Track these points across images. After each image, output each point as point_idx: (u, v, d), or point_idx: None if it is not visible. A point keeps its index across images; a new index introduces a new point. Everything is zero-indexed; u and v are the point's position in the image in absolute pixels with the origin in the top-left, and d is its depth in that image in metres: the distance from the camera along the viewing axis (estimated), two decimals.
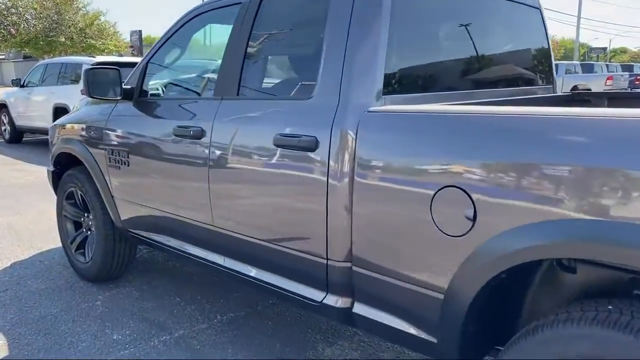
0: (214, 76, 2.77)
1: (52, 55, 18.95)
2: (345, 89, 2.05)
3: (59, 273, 3.95)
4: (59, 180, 3.95)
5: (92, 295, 3.55)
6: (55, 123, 4.04)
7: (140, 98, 3.16)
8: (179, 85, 3.27)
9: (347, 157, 1.99)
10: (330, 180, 2.02)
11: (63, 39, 19.31)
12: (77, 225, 3.91)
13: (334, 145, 2.02)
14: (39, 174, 7.76)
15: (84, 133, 3.51)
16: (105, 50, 19.19)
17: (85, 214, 3.77)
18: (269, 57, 2.72)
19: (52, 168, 4.00)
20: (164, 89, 3.35)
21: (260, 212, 2.37)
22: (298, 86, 2.40)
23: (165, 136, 2.85)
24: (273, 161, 2.25)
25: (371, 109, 1.99)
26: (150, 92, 3.24)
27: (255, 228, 2.40)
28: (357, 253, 2.01)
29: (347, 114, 2.02)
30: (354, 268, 2.03)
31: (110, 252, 3.54)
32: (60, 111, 9.64)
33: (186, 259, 2.94)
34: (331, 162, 2.02)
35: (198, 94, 3.18)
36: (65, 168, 3.86)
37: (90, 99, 3.76)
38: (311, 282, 2.20)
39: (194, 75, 3.32)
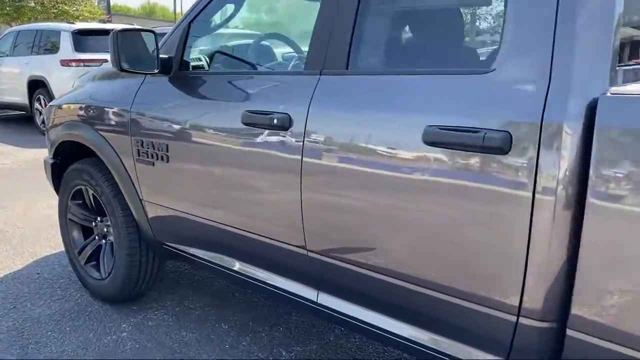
0: (303, 42, 2.00)
1: (20, 22, 17.48)
2: (562, 59, 1.32)
3: (65, 290, 3.17)
4: (60, 175, 3.15)
5: (114, 324, 2.80)
6: (53, 103, 3.21)
7: (181, 72, 2.37)
8: (239, 58, 2.48)
9: (567, 164, 1.28)
10: (539, 199, 1.32)
11: (33, 4, 17.82)
12: (87, 232, 3.13)
13: (546, 144, 1.31)
14: (16, 157, 6.84)
15: (97, 117, 2.71)
16: (80, 17, 17.82)
17: (98, 218, 2.99)
18: (401, 9, 1.95)
19: (51, 160, 3.19)
20: (208, 60, 2.56)
21: (398, 240, 1.66)
22: (464, 53, 1.67)
23: (227, 125, 2.10)
24: (423, 167, 1.53)
25: (612, 90, 1.28)
26: (192, 64, 2.46)
27: (389, 260, 1.69)
28: (577, 312, 1.32)
29: (569, 98, 1.30)
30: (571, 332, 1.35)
31: (135, 268, 2.78)
32: (35, 84, 8.64)
33: (258, 289, 2.21)
34: (541, 171, 1.32)
35: (273, 67, 2.40)
36: (69, 159, 3.06)
37: (98, 73, 2.97)
38: (494, 351, 1.51)
39: (264, 42, 2.53)
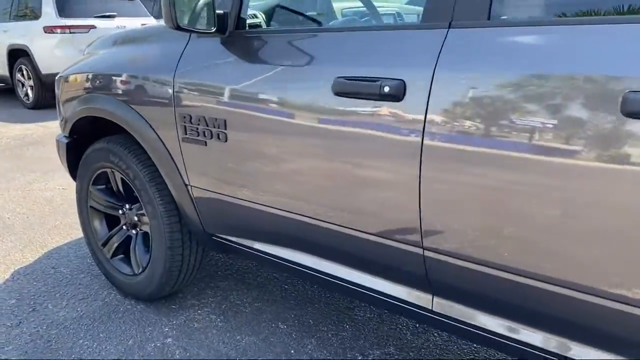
0: None
1: None
2: None
3: (88, 288, 2.78)
4: (77, 156, 2.72)
5: (154, 327, 2.43)
6: (64, 74, 2.76)
7: (239, 31, 1.96)
8: (314, 12, 2.06)
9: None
10: None
11: None
12: (112, 221, 2.73)
13: None
14: (2, 134, 6.32)
15: (128, 88, 2.29)
16: None
17: (127, 206, 2.59)
18: None
19: (65, 139, 2.75)
20: (265, 17, 2.15)
21: (562, 240, 1.30)
22: None
23: (311, 96, 1.71)
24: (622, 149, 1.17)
25: None
26: (249, 22, 2.04)
27: (549, 265, 1.34)
28: None
29: None
30: None
31: (177, 263, 2.40)
32: (16, 54, 8.02)
33: (350, 292, 1.86)
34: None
35: (368, 21, 1.99)
36: (88, 138, 2.64)
37: (120, 37, 2.55)
38: None
39: None
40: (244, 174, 1.97)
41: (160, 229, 2.35)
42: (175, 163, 2.19)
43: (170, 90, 2.09)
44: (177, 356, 2.23)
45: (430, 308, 1.64)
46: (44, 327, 2.43)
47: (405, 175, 1.50)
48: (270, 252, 2.05)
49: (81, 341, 2.33)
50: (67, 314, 2.53)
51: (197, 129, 2.04)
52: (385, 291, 1.73)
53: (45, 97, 8.10)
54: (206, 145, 2.03)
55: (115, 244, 2.68)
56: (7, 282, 2.84)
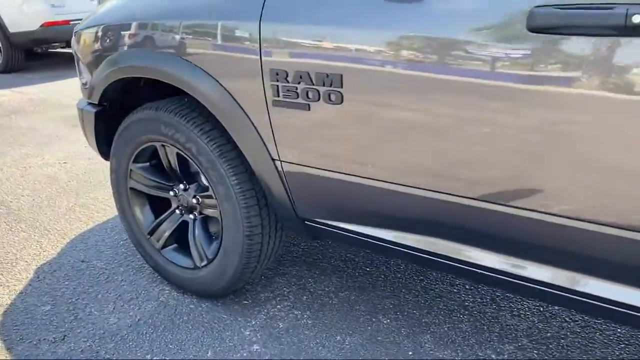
0: None
1: None
2: None
3: (134, 285, 2.34)
4: (108, 128, 2.23)
5: (232, 331, 2.01)
6: (84, 26, 2.22)
7: None
8: None
9: None
10: None
11: None
12: (159, 204, 2.26)
13: None
14: None
15: (189, 39, 1.78)
16: None
17: (182, 186, 2.12)
18: None
19: (92, 107, 2.24)
20: None
21: None
22: None
23: (490, 34, 1.25)
24: None
25: None
26: None
27: None
28: None
29: None
30: None
31: (255, 253, 1.97)
32: None
33: (510, 286, 1.46)
34: None
35: None
36: (124, 105, 2.15)
37: None
38: None
39: None
40: (363, 143, 1.52)
41: (236, 213, 1.90)
42: (259, 134, 1.72)
43: (255, 39, 1.60)
44: None
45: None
46: (96, 340, 1.99)
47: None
48: (387, 238, 1.63)
49: (149, 357, 1.91)
50: (119, 321, 2.09)
51: (297, 88, 1.57)
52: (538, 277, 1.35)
53: (16, 59, 7.35)
54: (309, 109, 1.57)
55: (167, 232, 2.22)
56: (32, 282, 2.37)
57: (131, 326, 2.06)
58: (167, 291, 2.27)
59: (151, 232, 2.26)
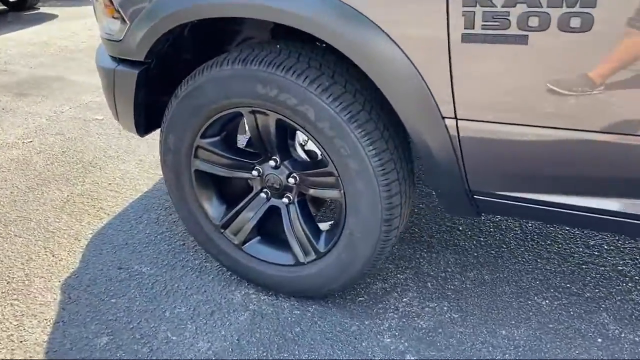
0: None
1: None
2: None
3: (203, 290, 1.83)
4: (149, 94, 1.68)
5: (367, 339, 1.59)
6: None
7: None
8: None
9: None
10: None
11: None
12: (229, 190, 1.76)
13: None
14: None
15: None
16: None
17: (272, 162, 1.62)
18: None
19: (132, 66, 1.66)
20: None
21: None
22: None
23: None
24: None
25: None
26: None
27: None
28: None
29: None
30: None
31: (391, 239, 1.54)
32: None
33: None
34: None
35: None
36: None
37: None
38: None
39: None
40: (601, 83, 1.10)
41: (373, 192, 1.44)
42: (427, 85, 1.25)
43: None
44: None
45: None
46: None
47: None
48: (606, 207, 1.25)
49: None
50: (212, 345, 1.60)
51: (509, 14, 1.11)
52: None
53: None
54: (526, 42, 1.12)
55: (250, 223, 1.72)
56: (66, 306, 1.80)
57: (233, 350, 1.58)
58: (254, 295, 1.79)
59: (225, 225, 1.75)
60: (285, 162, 1.61)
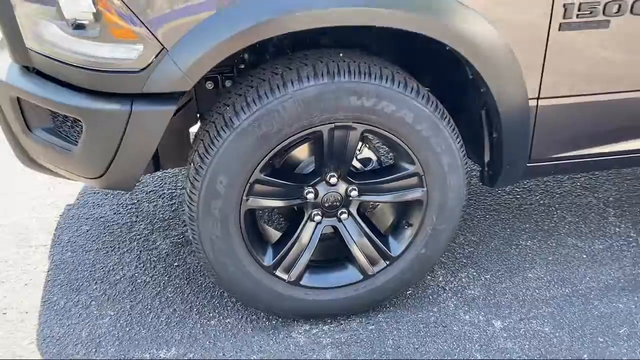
0: None
1: None
2: None
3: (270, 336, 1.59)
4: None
5: (482, 333, 1.66)
6: None
7: None
8: None
9: None
10: None
11: None
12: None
13: None
14: None
15: None
16: None
17: (333, 179, 1.51)
18: None
19: (167, 102, 1.31)
20: None
21: None
22: None
23: None
24: None
25: None
26: None
27: None
28: None
29: None
30: None
31: (453, 231, 1.64)
32: None
33: None
34: None
35: None
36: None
37: None
38: None
39: None
40: None
41: (460, 185, 1.52)
42: (522, 70, 1.40)
43: None
44: None
45: None
46: None
47: None
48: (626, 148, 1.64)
49: None
50: None
51: (599, 3, 1.35)
52: None
53: None
54: (608, 26, 1.38)
55: (306, 254, 1.56)
56: None
57: None
58: (315, 330, 1.64)
59: (277, 264, 1.55)
60: (348, 176, 1.52)
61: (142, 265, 1.91)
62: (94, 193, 2.31)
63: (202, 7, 1.22)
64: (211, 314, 1.70)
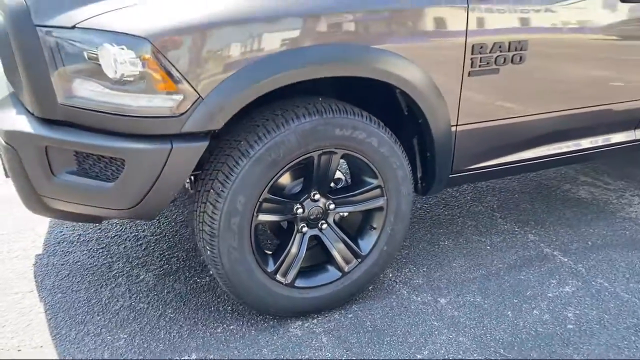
0: None
1: None
2: None
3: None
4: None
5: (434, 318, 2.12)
6: (178, 28, 1.53)
7: None
8: None
9: None
10: None
11: None
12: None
13: None
14: None
15: (387, 27, 1.75)
16: None
17: (317, 195, 1.92)
18: None
19: (196, 140, 1.64)
20: None
21: None
22: None
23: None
24: None
25: None
26: None
27: None
28: None
29: None
30: None
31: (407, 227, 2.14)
32: None
33: (592, 156, 2.44)
34: None
35: None
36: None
37: None
38: None
39: None
40: (536, 89, 2.11)
41: (409, 192, 2.03)
42: (447, 105, 1.96)
43: (463, 20, 1.86)
44: None
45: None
46: None
47: None
48: (531, 156, 2.27)
49: None
50: None
51: (491, 57, 1.96)
52: (618, 140, 2.48)
53: None
54: (498, 72, 2.00)
55: (298, 260, 1.94)
56: None
57: None
58: (300, 323, 1.99)
59: (276, 270, 1.91)
60: (327, 193, 1.94)
61: (135, 295, 2.11)
62: (58, 242, 2.45)
63: (228, 68, 1.59)
64: (215, 324, 1.97)
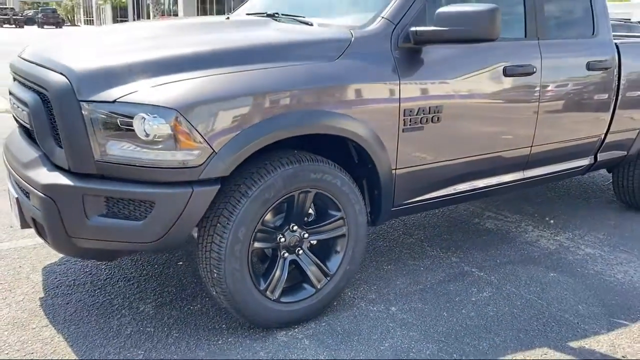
0: None
1: None
2: None
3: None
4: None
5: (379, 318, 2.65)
6: (206, 99, 2.06)
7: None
8: None
9: None
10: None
11: None
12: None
13: None
14: None
15: (348, 98, 2.39)
16: None
17: (296, 227, 2.44)
18: None
19: (210, 184, 2.13)
20: None
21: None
22: None
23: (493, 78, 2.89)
24: None
25: None
26: None
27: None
28: None
29: None
30: None
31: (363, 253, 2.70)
32: None
33: (491, 192, 3.15)
34: None
35: None
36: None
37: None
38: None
39: None
40: (451, 141, 2.80)
41: (364, 220, 2.60)
42: (388, 153, 2.59)
43: (395, 91, 2.53)
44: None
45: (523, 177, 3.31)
46: None
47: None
48: (449, 192, 2.93)
49: None
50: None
51: (417, 118, 2.64)
52: (510, 179, 3.22)
53: None
54: (422, 130, 2.67)
55: (283, 279, 2.43)
56: None
57: None
58: (286, 331, 2.47)
59: (266, 288, 2.38)
60: (302, 225, 2.47)
61: (140, 322, 2.48)
62: (56, 287, 2.76)
63: (233, 130, 2.12)
64: (216, 338, 2.38)
